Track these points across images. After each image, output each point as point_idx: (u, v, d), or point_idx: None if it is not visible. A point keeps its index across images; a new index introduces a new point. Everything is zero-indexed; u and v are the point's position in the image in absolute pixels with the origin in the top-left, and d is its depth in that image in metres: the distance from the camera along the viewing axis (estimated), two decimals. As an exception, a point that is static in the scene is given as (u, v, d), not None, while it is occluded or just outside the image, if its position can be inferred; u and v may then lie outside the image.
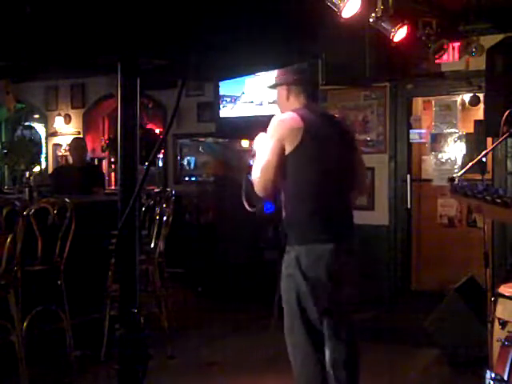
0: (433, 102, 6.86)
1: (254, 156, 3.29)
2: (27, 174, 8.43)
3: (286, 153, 3.05)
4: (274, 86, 3.37)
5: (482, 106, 6.12)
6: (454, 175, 2.76)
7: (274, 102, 3.70)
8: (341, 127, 3.31)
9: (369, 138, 6.67)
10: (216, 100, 7.15)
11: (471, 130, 6.78)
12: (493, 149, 4.21)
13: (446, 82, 6.36)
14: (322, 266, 2.98)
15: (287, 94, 3.26)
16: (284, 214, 3.18)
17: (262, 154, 3.12)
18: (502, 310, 3.38)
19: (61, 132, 9.33)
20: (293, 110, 3.17)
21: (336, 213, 3.14)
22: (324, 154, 3.10)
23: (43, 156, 9.74)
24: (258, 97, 6.82)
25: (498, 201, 2.07)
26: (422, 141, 7.09)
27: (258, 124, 3.36)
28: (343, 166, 3.22)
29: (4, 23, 1.33)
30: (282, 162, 3.06)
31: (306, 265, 2.99)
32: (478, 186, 2.16)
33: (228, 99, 6.98)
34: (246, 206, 3.27)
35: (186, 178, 8.30)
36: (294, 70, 3.25)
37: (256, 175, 3.13)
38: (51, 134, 9.48)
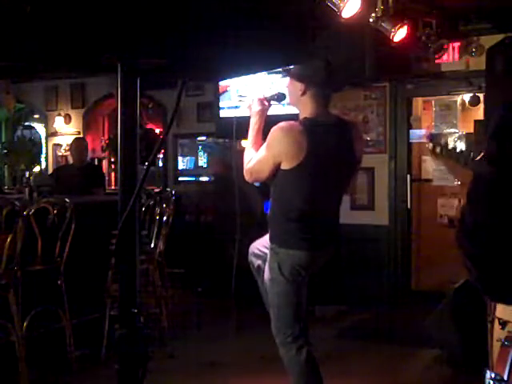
0: (433, 102, 6.85)
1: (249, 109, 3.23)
2: (27, 173, 8.44)
3: (282, 167, 3.00)
4: (293, 77, 3.11)
5: (482, 105, 6.11)
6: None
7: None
8: (349, 137, 3.13)
9: (369, 138, 6.66)
10: (216, 100, 7.14)
11: (471, 130, 6.78)
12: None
13: (446, 82, 6.36)
14: (298, 267, 3.08)
15: (304, 89, 3.06)
16: (269, 213, 3.20)
17: (259, 154, 3.08)
18: (502, 310, 3.37)
19: (61, 132, 9.32)
20: (302, 121, 3.05)
21: (321, 224, 3.15)
22: (322, 174, 3.04)
23: (43, 156, 9.74)
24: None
25: None
26: (422, 141, 7.09)
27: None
28: (339, 183, 3.20)
29: (4, 23, 1.33)
30: (274, 172, 3.04)
31: (286, 264, 3.08)
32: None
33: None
34: None
35: (186, 178, 8.29)
36: (315, 68, 3.06)
37: (247, 166, 3.12)
38: (51, 134, 9.47)
